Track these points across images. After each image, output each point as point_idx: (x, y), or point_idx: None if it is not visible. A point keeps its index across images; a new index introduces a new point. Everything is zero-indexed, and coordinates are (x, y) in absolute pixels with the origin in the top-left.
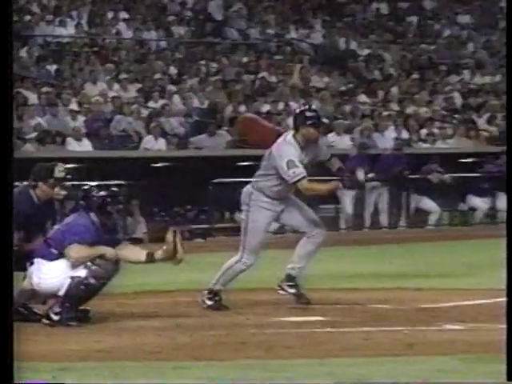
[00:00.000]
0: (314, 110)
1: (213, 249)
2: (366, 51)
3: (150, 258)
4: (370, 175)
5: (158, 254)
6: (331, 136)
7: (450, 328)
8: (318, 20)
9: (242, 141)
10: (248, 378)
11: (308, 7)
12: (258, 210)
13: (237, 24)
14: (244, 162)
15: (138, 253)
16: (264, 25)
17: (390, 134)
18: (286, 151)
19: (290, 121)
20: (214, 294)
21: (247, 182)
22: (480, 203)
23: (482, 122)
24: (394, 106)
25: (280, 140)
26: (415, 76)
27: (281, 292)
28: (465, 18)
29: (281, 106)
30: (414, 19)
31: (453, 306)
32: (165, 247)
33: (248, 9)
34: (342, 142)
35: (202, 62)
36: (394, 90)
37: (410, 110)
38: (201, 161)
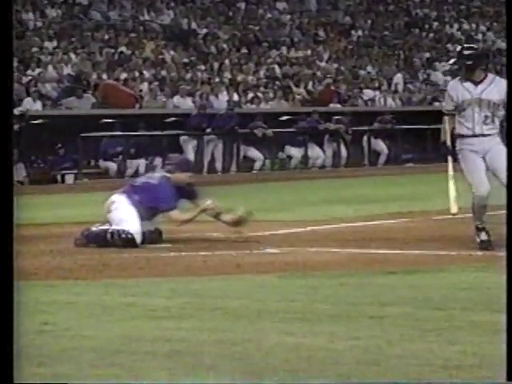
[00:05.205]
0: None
1: (81, 190)
2: (204, 30)
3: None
4: (208, 130)
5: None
6: (176, 98)
7: (269, 252)
8: (164, 4)
9: (104, 102)
10: (107, 293)
11: None
12: None
13: (99, 7)
14: (106, 119)
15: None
16: (121, 9)
17: (224, 97)
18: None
19: (143, 86)
20: (481, 230)
21: (108, 136)
22: (295, 152)
23: (295, 87)
24: (227, 75)
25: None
26: (243, 51)
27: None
28: (282, 4)
29: (136, 74)
30: (242, 5)
31: (272, 234)
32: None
33: None
34: (185, 104)
35: (72, 39)
36: (227, 61)
37: (239, 78)
38: (71, 118)
